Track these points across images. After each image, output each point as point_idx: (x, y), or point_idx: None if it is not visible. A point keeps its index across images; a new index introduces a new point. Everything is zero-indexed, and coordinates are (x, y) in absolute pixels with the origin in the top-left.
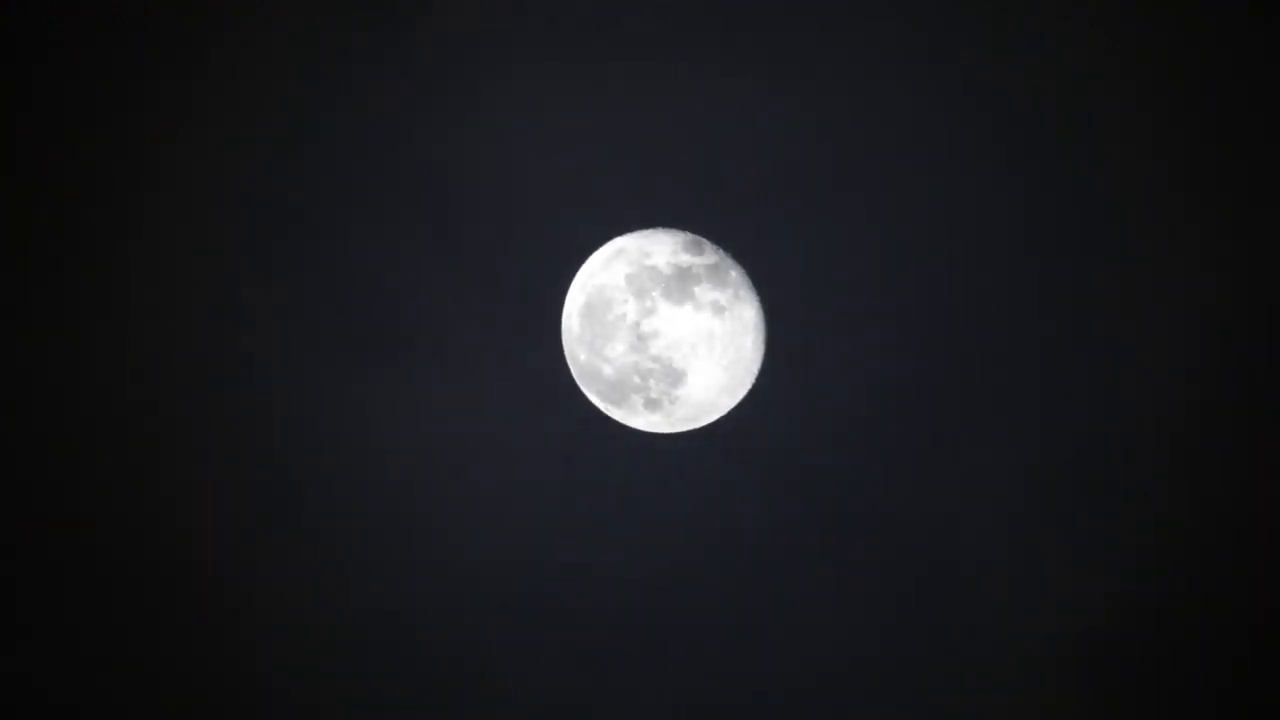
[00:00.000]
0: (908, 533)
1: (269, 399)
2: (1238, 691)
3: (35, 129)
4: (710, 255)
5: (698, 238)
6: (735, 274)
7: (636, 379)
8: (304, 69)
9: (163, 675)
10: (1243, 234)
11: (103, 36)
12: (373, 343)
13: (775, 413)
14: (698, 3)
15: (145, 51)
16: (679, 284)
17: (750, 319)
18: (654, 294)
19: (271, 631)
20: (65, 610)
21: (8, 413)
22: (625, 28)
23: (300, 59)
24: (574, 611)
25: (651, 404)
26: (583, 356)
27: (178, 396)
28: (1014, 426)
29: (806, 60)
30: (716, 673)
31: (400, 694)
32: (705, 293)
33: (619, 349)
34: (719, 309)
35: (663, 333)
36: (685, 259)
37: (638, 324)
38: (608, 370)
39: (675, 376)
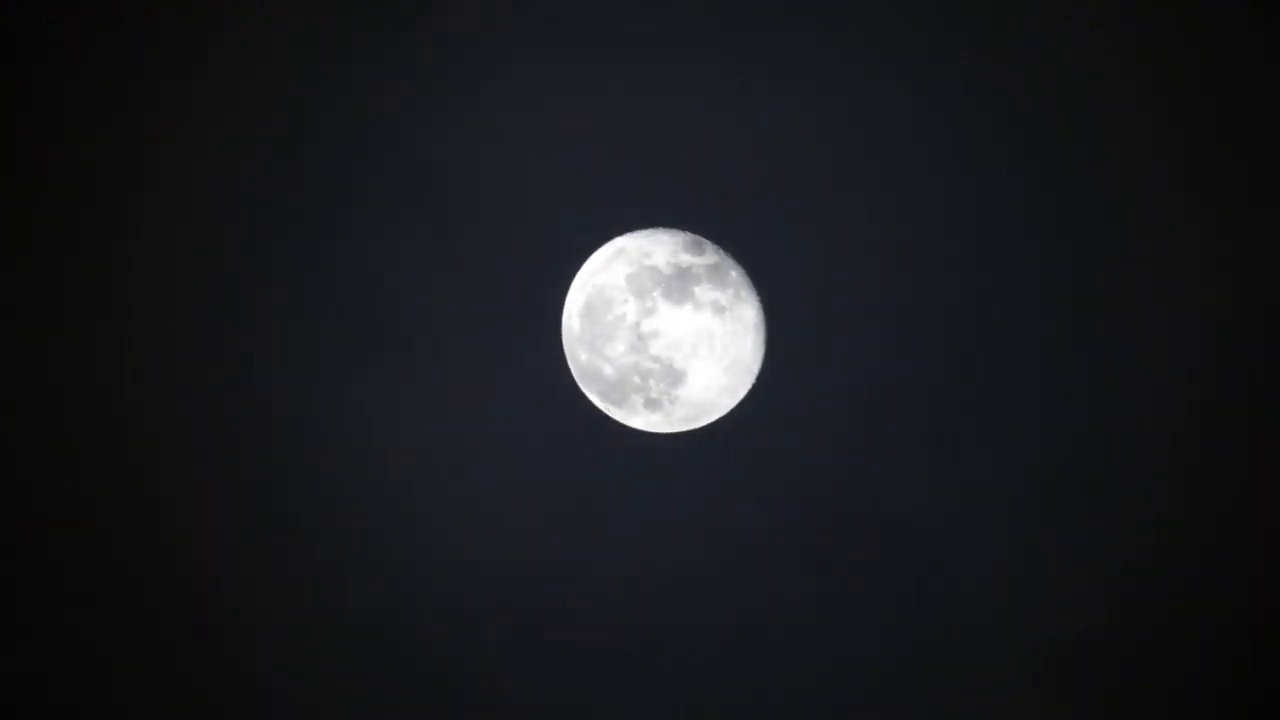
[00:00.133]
0: (908, 533)
1: (269, 399)
2: (1238, 691)
3: (35, 129)
4: (710, 255)
5: (698, 238)
6: (735, 274)
7: (637, 379)
8: (304, 69)
9: (163, 675)
10: (1243, 234)
11: (103, 36)
12: (373, 343)
13: (775, 413)
14: (698, 3)
15: (145, 51)
16: (679, 284)
17: (750, 319)
18: (654, 294)
19: (271, 631)
20: (65, 610)
21: (8, 413)
22: (625, 28)
23: (300, 59)
24: (574, 611)
25: (651, 404)
26: (583, 356)
27: (178, 396)
28: (1014, 426)
29: (806, 60)
30: (716, 673)
31: (400, 694)
32: (705, 293)
33: (619, 349)
34: (719, 309)
35: (663, 333)
36: (685, 259)
37: (638, 324)
38: (608, 370)
39: (675, 376)
